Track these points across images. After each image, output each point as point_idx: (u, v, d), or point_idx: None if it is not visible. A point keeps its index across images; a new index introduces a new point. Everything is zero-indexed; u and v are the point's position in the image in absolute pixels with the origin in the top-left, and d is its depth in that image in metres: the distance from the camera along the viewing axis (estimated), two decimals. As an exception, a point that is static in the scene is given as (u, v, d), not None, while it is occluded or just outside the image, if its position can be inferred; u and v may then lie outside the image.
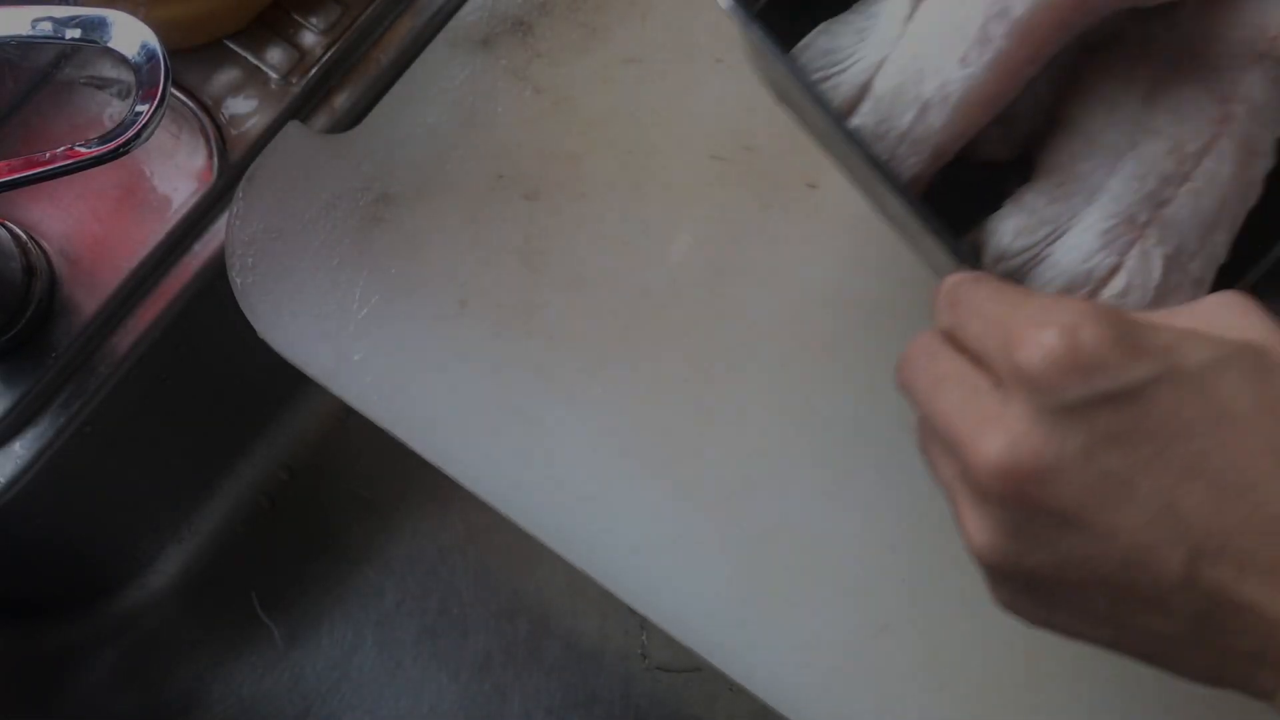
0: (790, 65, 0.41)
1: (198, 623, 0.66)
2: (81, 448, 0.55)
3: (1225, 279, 0.45)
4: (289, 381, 0.68)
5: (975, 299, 0.33)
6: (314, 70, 0.58)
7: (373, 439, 0.69)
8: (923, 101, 0.41)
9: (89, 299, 0.54)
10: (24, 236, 0.54)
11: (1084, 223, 0.43)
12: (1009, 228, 0.43)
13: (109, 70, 0.57)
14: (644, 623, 0.65)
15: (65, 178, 0.44)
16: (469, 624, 0.66)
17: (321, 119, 0.59)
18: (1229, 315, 0.31)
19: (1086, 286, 0.43)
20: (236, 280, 0.53)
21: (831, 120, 0.41)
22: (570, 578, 0.67)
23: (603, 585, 0.49)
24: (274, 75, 0.58)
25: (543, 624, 0.66)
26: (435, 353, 0.52)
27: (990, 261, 0.44)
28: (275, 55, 0.58)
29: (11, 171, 0.43)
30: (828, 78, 0.43)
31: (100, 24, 0.45)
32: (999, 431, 0.28)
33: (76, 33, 0.45)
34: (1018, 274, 0.43)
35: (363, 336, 0.52)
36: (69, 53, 0.57)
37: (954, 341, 0.33)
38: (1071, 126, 0.45)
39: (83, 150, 0.43)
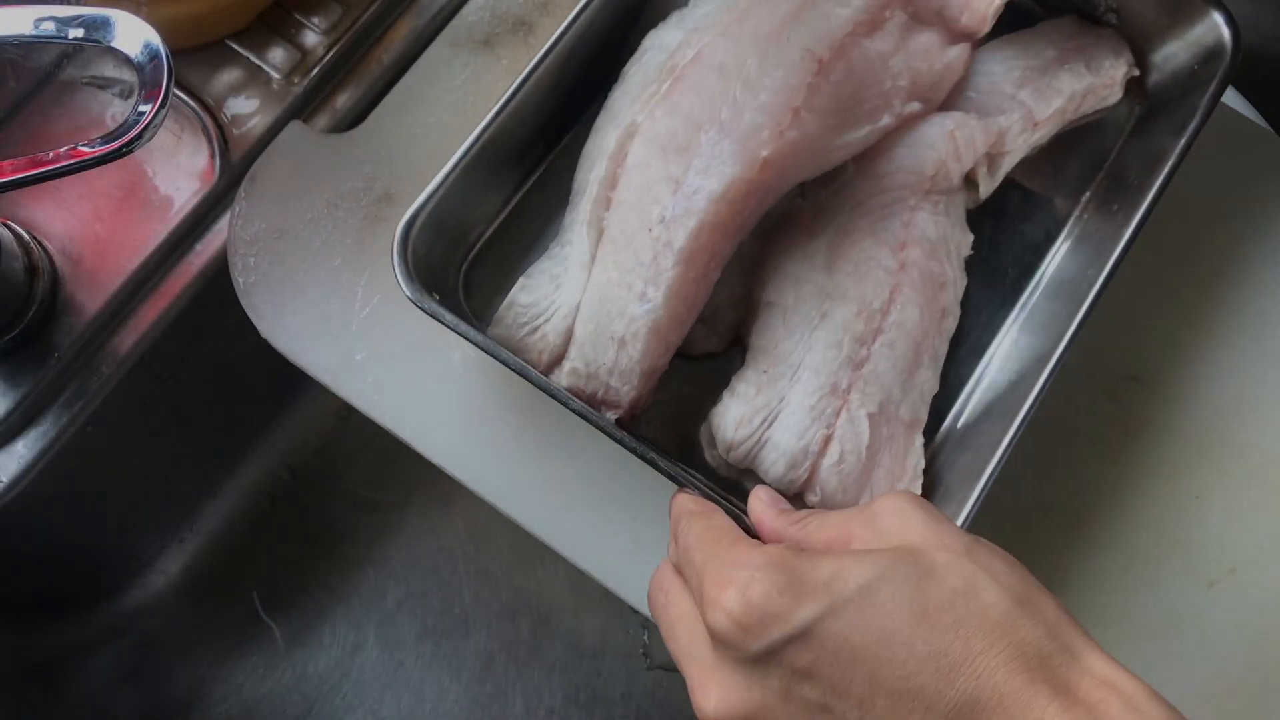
0: (487, 343, 0.45)
1: (199, 623, 0.66)
2: (84, 448, 0.55)
3: (940, 401, 0.49)
4: (291, 381, 0.68)
5: (686, 541, 0.37)
6: (316, 70, 0.58)
7: (374, 439, 0.69)
8: (618, 339, 0.45)
9: (91, 299, 0.54)
10: (26, 236, 0.54)
11: (792, 402, 0.47)
12: (729, 420, 0.47)
13: (111, 70, 0.57)
14: (646, 622, 0.65)
15: (68, 178, 0.44)
16: (471, 624, 0.66)
17: (323, 119, 0.59)
18: (892, 520, 0.34)
19: (806, 462, 0.46)
20: (238, 280, 0.53)
21: (535, 383, 0.45)
22: (572, 577, 0.67)
23: (605, 585, 0.49)
24: (276, 75, 0.58)
25: (544, 624, 0.66)
26: (438, 353, 0.52)
27: (723, 451, 0.48)
28: (277, 55, 0.58)
29: (15, 171, 0.43)
30: (535, 329, 0.46)
31: (103, 23, 0.44)
32: (712, 685, 0.33)
33: (79, 32, 0.44)
34: (746, 459, 0.47)
35: (365, 336, 0.52)
36: (72, 52, 0.57)
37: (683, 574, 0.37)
38: (769, 309, 0.49)
39: (86, 150, 0.43)
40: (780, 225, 0.50)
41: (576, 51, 0.49)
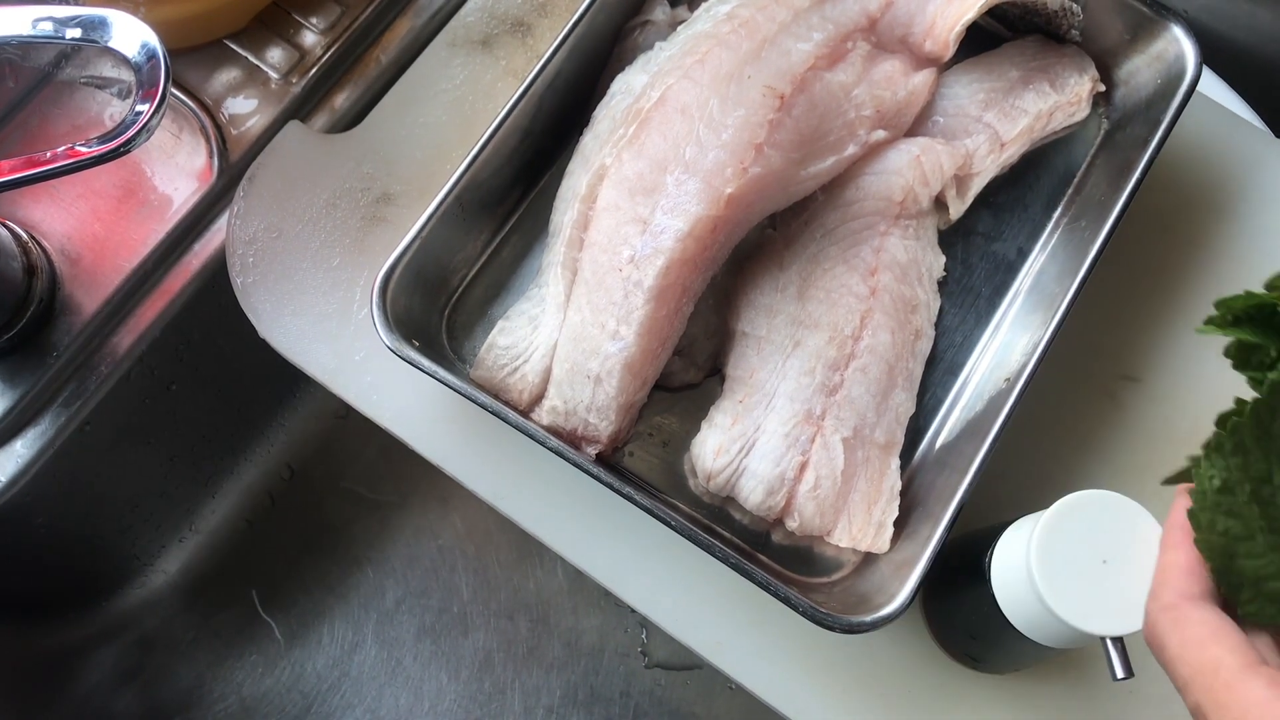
0: (464, 387, 0.46)
1: (198, 621, 0.66)
2: (82, 447, 0.56)
3: (918, 422, 0.50)
4: (290, 381, 0.68)
5: None
6: (314, 70, 0.58)
7: (373, 439, 0.69)
8: (594, 376, 0.46)
9: (90, 298, 0.55)
10: (25, 236, 0.54)
11: (768, 430, 0.48)
12: (708, 450, 0.48)
13: (109, 70, 0.57)
14: (644, 621, 0.66)
15: (66, 177, 0.44)
16: (469, 622, 0.66)
17: (322, 118, 0.59)
18: None
19: (783, 488, 0.47)
20: (237, 280, 0.53)
21: (515, 425, 0.46)
22: (570, 576, 0.67)
23: (603, 584, 0.49)
24: (274, 75, 0.58)
25: (543, 622, 0.66)
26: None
27: (703, 480, 0.49)
28: (275, 55, 0.58)
29: (13, 171, 0.43)
30: (515, 370, 0.48)
31: (100, 24, 0.45)
32: None
33: (77, 32, 0.45)
34: (726, 488, 0.48)
35: (364, 336, 0.52)
36: (69, 53, 0.57)
37: None
38: (743, 340, 0.50)
39: (83, 150, 0.43)
40: (752, 256, 0.51)
41: (546, 99, 0.51)
